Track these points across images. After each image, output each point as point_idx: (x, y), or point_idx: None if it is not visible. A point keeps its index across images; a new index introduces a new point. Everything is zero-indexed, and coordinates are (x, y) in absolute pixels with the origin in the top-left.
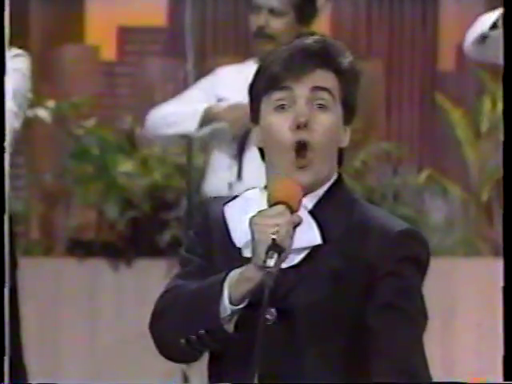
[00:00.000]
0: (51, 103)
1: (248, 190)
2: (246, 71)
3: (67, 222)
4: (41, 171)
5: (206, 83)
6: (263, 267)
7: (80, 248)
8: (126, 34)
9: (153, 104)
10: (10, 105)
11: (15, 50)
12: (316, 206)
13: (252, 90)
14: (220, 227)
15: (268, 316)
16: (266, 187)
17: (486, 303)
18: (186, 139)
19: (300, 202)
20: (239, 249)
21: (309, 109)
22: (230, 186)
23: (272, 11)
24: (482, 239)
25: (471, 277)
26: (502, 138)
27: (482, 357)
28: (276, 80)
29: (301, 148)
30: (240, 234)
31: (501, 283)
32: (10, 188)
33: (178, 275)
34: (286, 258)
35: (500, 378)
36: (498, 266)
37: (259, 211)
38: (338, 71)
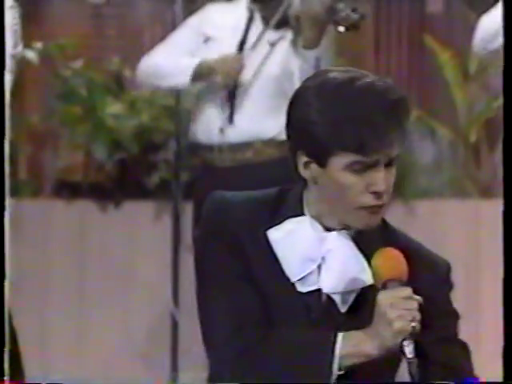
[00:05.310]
0: (38, 44)
1: (292, 217)
2: (236, 10)
3: (55, 164)
4: (28, 112)
5: (193, 22)
6: (405, 358)
7: (68, 189)
8: None
9: (140, 45)
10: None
11: (9, 1)
12: (359, 241)
13: (320, 132)
14: (260, 249)
15: None
16: (313, 216)
17: (474, 244)
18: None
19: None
20: (292, 283)
21: (386, 176)
22: (222, 130)
23: None
24: (470, 180)
25: (459, 218)
26: (490, 79)
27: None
28: (362, 146)
29: (377, 207)
30: (294, 268)
31: (488, 224)
32: None
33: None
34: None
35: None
36: (485, 206)
37: (385, 292)
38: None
